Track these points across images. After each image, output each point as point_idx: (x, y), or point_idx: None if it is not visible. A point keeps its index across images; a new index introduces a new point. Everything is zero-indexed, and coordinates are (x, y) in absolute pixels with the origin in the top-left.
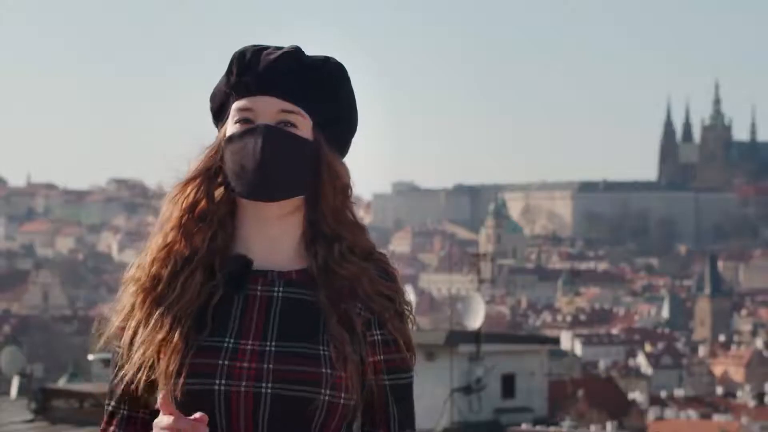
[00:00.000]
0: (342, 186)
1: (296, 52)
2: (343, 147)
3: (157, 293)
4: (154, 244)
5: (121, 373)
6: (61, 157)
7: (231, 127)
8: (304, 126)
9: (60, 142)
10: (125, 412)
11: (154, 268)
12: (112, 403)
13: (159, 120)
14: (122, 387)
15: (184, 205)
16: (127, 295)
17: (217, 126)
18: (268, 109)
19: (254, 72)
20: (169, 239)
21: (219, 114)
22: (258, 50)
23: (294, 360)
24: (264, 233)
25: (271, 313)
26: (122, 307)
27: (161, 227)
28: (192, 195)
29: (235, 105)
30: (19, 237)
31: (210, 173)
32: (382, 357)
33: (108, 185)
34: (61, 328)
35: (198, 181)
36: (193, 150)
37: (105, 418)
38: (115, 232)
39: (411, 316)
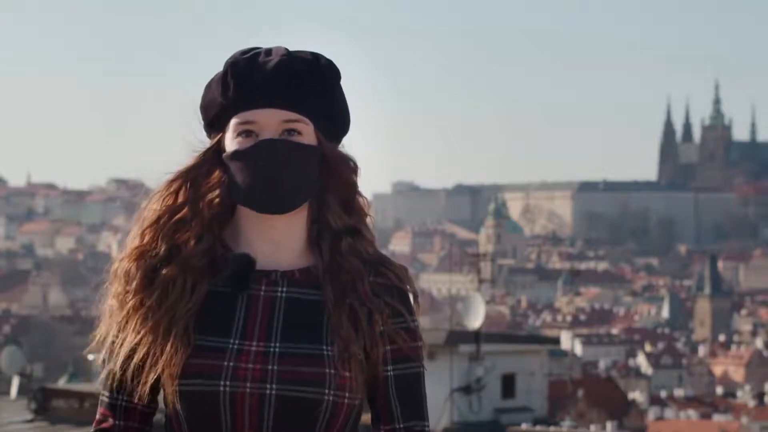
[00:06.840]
0: (350, 178)
1: (289, 57)
2: (338, 140)
3: (147, 292)
4: (132, 243)
5: (117, 367)
6: (61, 157)
7: (233, 141)
8: (307, 132)
9: (60, 142)
10: (124, 404)
11: (134, 265)
12: (106, 393)
13: (159, 120)
14: (120, 378)
15: (164, 205)
16: (114, 294)
17: (209, 134)
18: (272, 121)
19: (252, 85)
20: (146, 239)
21: (213, 124)
22: (250, 58)
23: (298, 361)
24: (269, 235)
25: (275, 313)
26: (110, 306)
27: (140, 226)
28: (173, 196)
29: (236, 119)
30: (19, 237)
31: (195, 175)
32: (388, 347)
33: (108, 185)
34: (61, 328)
35: (179, 182)
36: (188, 150)
37: (101, 408)
38: (115, 232)
39: (417, 303)
